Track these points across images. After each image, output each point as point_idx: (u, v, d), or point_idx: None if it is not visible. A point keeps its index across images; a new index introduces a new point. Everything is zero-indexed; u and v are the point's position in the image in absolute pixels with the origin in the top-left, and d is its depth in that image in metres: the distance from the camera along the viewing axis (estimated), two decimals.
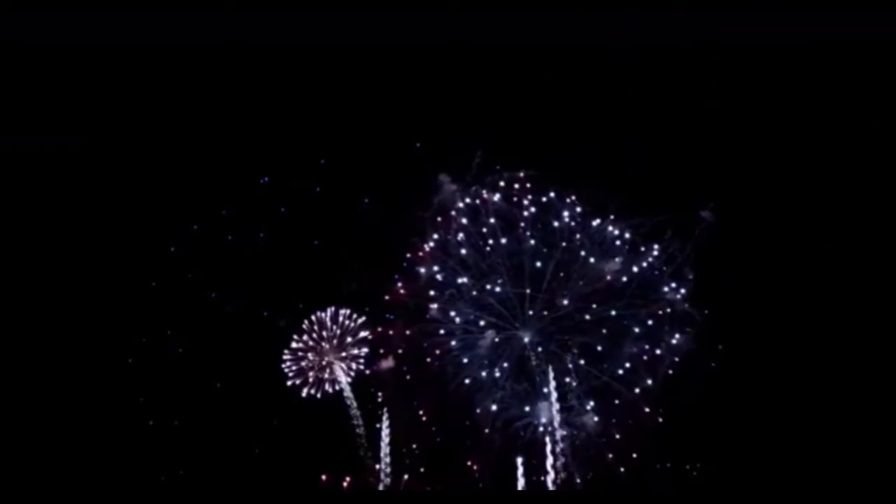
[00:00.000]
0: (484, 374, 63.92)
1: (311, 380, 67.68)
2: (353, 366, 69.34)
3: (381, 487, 62.71)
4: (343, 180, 67.74)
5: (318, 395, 67.98)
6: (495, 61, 66.93)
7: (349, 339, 69.54)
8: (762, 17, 63.68)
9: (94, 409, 64.93)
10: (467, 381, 63.91)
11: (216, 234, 68.69)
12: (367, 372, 68.50)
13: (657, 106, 66.91)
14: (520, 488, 62.69)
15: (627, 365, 63.25)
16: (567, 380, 63.47)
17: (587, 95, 67.54)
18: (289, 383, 68.03)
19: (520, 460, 62.82)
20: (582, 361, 63.54)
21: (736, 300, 63.33)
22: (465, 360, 64.06)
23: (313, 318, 70.17)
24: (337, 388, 68.07)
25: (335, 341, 69.44)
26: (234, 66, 67.64)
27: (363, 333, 69.54)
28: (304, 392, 67.86)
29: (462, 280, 64.51)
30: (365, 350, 69.05)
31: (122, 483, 63.55)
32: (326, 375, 68.27)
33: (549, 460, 62.10)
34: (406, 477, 65.19)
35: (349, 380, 68.68)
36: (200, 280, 68.23)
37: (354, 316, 70.09)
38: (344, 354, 69.07)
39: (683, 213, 63.94)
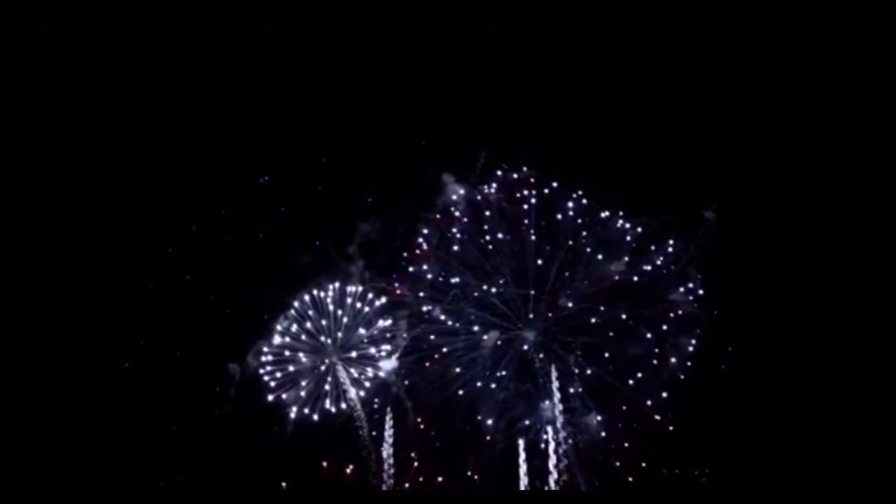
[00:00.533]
0: (487, 374, 63.62)
1: (303, 392, 62.13)
2: (370, 372, 61.38)
3: (384, 488, 62.04)
4: (345, 180, 67.62)
5: (316, 417, 61.00)
6: (497, 61, 66.95)
7: (361, 332, 61.10)
8: (763, 17, 64.05)
9: (90, 412, 64.12)
10: (469, 381, 63.58)
11: (215, 235, 68.28)
12: (381, 374, 61.02)
13: (659, 106, 66.98)
14: (522, 488, 62.40)
15: (632, 367, 63.01)
16: (571, 388, 63.25)
17: (589, 95, 67.68)
18: (271, 398, 61.12)
19: (522, 460, 62.45)
20: (586, 365, 63.30)
21: (743, 301, 63.20)
22: (468, 361, 63.71)
23: (307, 298, 61.81)
24: (343, 405, 61.37)
25: (340, 334, 61.58)
26: (234, 66, 67.51)
27: (382, 323, 61.05)
28: (294, 412, 60.90)
29: (465, 280, 64.26)
30: (385, 348, 60.65)
31: (119, 489, 62.70)
32: (327, 385, 61.58)
33: (552, 461, 61.79)
34: (416, 464, 62.75)
35: (362, 393, 61.15)
36: (199, 281, 67.61)
37: (370, 297, 61.08)
38: (353, 354, 61.77)
39: (686, 214, 64.00)
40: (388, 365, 62.28)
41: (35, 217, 66.05)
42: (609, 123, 66.59)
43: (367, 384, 62.62)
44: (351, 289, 61.96)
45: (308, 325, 62.54)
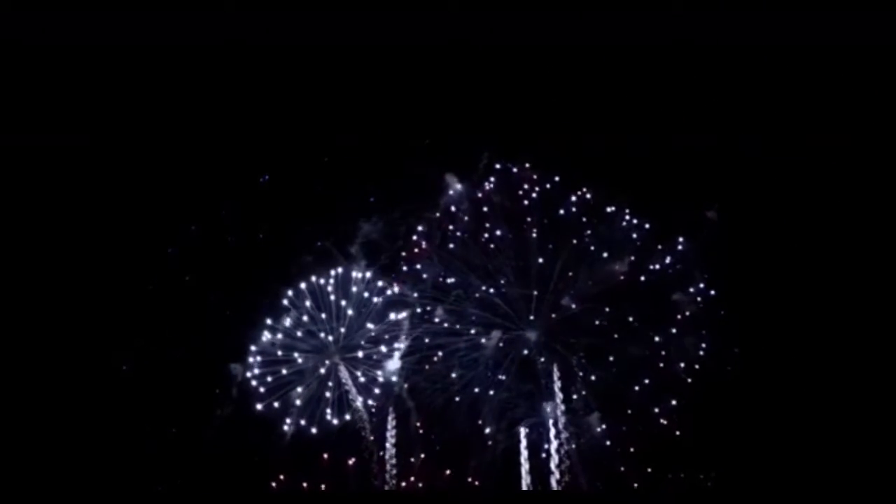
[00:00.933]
0: (489, 374, 63.41)
1: (299, 399, 57.41)
2: (378, 375, 55.17)
3: (386, 488, 61.68)
4: (346, 180, 67.44)
5: (314, 430, 55.56)
6: (497, 62, 66.98)
7: (368, 327, 54.14)
8: (763, 17, 64.18)
9: (89, 414, 63.65)
10: (471, 381, 63.36)
11: (215, 235, 67.99)
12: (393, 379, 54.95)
13: (659, 106, 67.05)
14: (524, 488, 62.29)
15: (637, 368, 62.83)
16: (573, 389, 63.04)
17: (589, 96, 67.75)
18: (259, 407, 55.48)
19: (524, 459, 62.33)
20: (589, 365, 63.10)
21: (749, 303, 62.99)
22: (470, 361, 63.45)
23: (304, 286, 55.06)
24: (347, 416, 55.96)
25: (343, 330, 55.05)
26: (234, 66, 67.44)
27: (394, 315, 54.20)
28: (288, 425, 55.59)
29: (467, 280, 63.96)
30: (398, 346, 53.37)
31: (117, 493, 62.23)
32: (327, 392, 55.88)
33: (554, 461, 61.65)
34: (418, 464, 60.88)
35: (370, 401, 55.29)
36: (199, 281, 67.27)
37: (379, 285, 54.17)
38: (360, 354, 55.46)
39: (688, 214, 64.01)
40: (392, 365, 60.18)
41: (35, 217, 65.80)
42: (609, 124, 66.67)
43: (377, 390, 58.22)
44: (356, 275, 55.43)
45: (305, 318, 57.50)
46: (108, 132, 65.71)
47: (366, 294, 56.41)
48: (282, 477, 59.80)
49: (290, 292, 58.31)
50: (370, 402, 58.28)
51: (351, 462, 60.72)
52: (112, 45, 63.99)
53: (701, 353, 62.42)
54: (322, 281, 57.15)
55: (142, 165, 67.21)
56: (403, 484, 61.64)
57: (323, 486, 60.16)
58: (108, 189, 67.06)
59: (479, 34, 65.29)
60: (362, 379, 57.51)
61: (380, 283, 56.62)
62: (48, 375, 63.79)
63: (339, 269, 56.63)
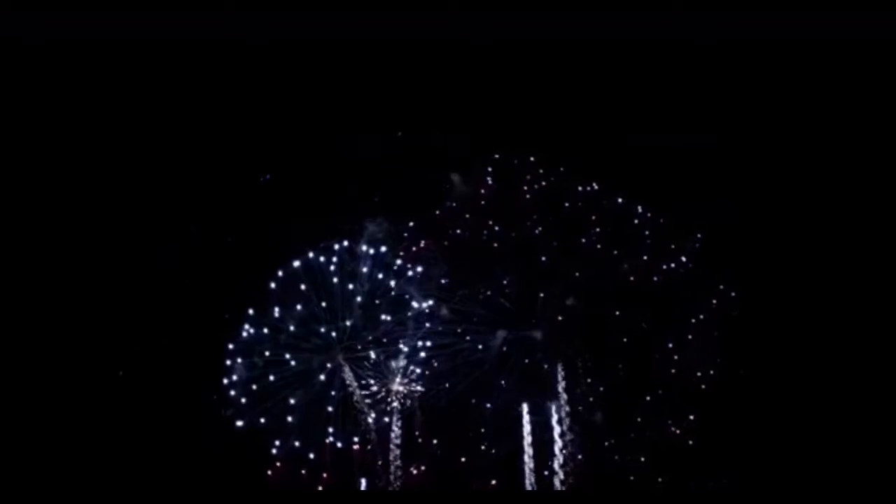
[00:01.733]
0: (493, 374, 63.29)
1: (290, 416, 50.32)
2: (397, 381, 46.19)
3: (389, 489, 61.50)
4: (349, 180, 67.42)
5: (311, 455, 47.81)
6: (499, 61, 67.32)
7: (384, 318, 44.27)
8: (766, 16, 64.42)
9: (88, 416, 63.34)
10: (475, 381, 63.21)
11: (215, 236, 67.77)
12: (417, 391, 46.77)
13: (659, 106, 67.32)
14: (527, 488, 62.20)
15: (646, 371, 62.83)
16: (578, 389, 63.04)
17: (588, 96, 68.03)
18: (240, 424, 47.28)
19: (528, 457, 62.24)
20: (594, 365, 63.06)
21: (764, 305, 63.05)
22: (475, 361, 63.28)
23: (296, 264, 45.20)
24: (355, 437, 49.01)
25: (349, 322, 45.33)
26: (235, 66, 67.51)
27: (417, 303, 42.89)
28: (277, 448, 47.83)
29: (472, 280, 63.67)
30: (423, 343, 43.01)
31: (117, 494, 61.82)
32: (330, 405, 47.81)
33: (559, 461, 61.65)
34: (420, 464, 58.97)
35: (385, 419, 47.02)
36: (198, 284, 66.96)
37: (398, 263, 44.48)
38: (372, 356, 46.08)
39: (693, 214, 64.24)
40: (395, 364, 57.44)
41: (34, 217, 65.59)
42: (609, 123, 66.95)
43: (395, 404, 50.25)
44: (365, 248, 45.82)
45: (299, 308, 49.48)
46: (107, 132, 65.62)
47: (380, 276, 47.67)
48: (278, 464, 54.46)
49: (279, 272, 49.65)
50: (386, 418, 51.69)
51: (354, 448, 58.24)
52: (112, 44, 63.93)
53: (718, 360, 62.37)
54: (322, 259, 48.23)
55: (141, 165, 67.06)
56: (413, 471, 60.66)
57: (324, 475, 56.80)
58: (108, 189, 66.91)
59: (479, 34, 65.47)
60: (374, 388, 50.27)
61: (399, 262, 47.68)
62: (46, 376, 63.19)
63: (345, 243, 47.64)
